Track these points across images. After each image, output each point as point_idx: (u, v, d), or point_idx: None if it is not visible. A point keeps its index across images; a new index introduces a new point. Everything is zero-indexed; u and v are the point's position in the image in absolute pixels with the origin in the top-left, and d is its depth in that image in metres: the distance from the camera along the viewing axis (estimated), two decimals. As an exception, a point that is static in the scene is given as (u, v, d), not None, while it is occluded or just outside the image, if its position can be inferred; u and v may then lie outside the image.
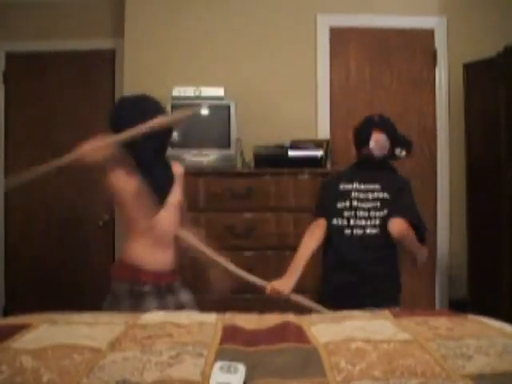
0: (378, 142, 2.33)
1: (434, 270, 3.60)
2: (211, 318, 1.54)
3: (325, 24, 3.59)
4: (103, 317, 1.55)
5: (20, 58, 3.87)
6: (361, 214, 2.27)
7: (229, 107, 3.12)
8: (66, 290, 3.70)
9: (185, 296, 2.09)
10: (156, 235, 2.01)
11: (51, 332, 1.35)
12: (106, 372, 1.08)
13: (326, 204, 2.34)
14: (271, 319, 1.53)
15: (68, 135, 3.85)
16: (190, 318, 1.52)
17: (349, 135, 3.53)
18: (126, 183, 1.95)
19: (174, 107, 3.12)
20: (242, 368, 1.06)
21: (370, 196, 2.29)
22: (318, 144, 3.14)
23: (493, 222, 3.19)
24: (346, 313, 1.58)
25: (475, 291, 3.38)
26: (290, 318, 1.55)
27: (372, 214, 2.25)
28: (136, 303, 1.91)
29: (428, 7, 3.62)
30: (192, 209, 2.95)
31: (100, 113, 3.84)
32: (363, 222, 2.25)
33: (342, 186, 2.33)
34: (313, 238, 2.28)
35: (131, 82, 3.52)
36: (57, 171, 1.93)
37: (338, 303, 1.99)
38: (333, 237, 2.27)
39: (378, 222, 2.23)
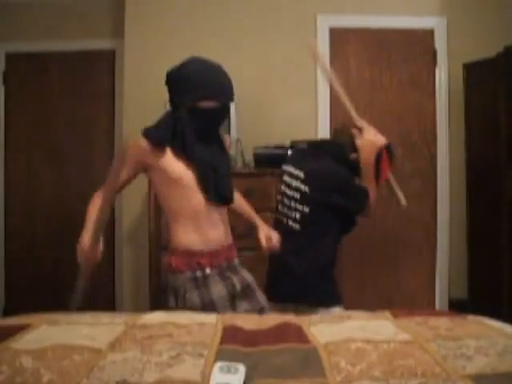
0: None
1: (434, 270, 3.60)
2: (211, 318, 1.53)
3: (325, 24, 3.59)
4: (103, 317, 1.55)
5: (20, 58, 3.87)
6: (285, 200, 2.19)
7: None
8: (66, 291, 3.70)
9: (246, 274, 1.99)
10: (205, 214, 1.85)
11: (51, 332, 1.35)
12: (106, 372, 1.08)
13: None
14: (271, 319, 1.53)
15: (68, 135, 3.86)
16: (190, 318, 1.52)
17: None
18: (179, 168, 1.81)
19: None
20: (241, 368, 1.06)
21: (293, 183, 2.16)
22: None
23: (493, 222, 3.19)
24: (346, 313, 1.58)
25: (475, 291, 3.38)
26: (290, 318, 1.55)
27: (292, 204, 2.15)
28: (203, 290, 1.80)
29: (428, 7, 3.62)
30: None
31: (100, 113, 3.85)
32: (285, 210, 2.18)
33: (284, 166, 2.27)
34: None
35: (131, 82, 3.52)
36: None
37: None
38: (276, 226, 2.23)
39: (297, 215, 2.12)
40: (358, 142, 2.09)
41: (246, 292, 1.90)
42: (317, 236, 2.11)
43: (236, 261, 1.99)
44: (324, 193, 2.08)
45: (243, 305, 1.85)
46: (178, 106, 1.84)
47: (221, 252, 1.89)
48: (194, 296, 1.79)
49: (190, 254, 1.84)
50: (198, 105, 1.79)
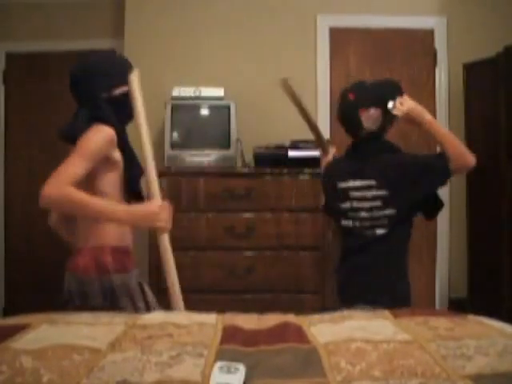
0: (369, 119, 2.14)
1: (434, 270, 3.60)
2: (211, 318, 1.53)
3: (325, 24, 3.59)
4: (103, 317, 1.55)
5: (20, 58, 3.87)
6: (363, 214, 2.12)
7: (229, 107, 3.12)
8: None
9: None
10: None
11: (51, 332, 1.35)
12: (106, 372, 1.08)
13: (330, 204, 2.28)
14: (271, 319, 1.53)
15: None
16: (190, 318, 1.52)
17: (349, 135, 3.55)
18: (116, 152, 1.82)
19: (173, 107, 3.12)
20: (242, 368, 1.06)
21: (369, 194, 2.11)
22: (318, 144, 3.14)
23: (493, 222, 3.19)
24: (345, 313, 1.58)
25: (475, 291, 3.38)
26: (290, 318, 1.55)
27: (375, 213, 2.09)
28: (144, 293, 1.83)
29: (428, 7, 3.62)
30: (192, 209, 2.97)
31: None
32: (368, 223, 2.11)
33: (339, 185, 2.19)
34: None
35: (131, 82, 3.52)
36: None
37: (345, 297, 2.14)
38: (345, 236, 2.22)
39: (385, 221, 2.09)
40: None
41: None
42: (403, 235, 2.15)
43: None
44: (406, 185, 2.05)
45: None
46: (91, 101, 1.82)
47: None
48: (140, 300, 1.81)
49: (129, 252, 1.86)
50: (113, 93, 1.82)
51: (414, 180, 2.04)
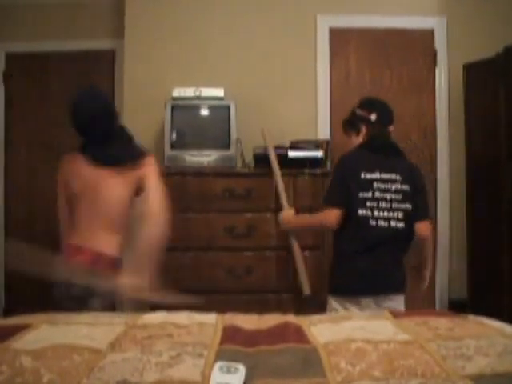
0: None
1: (434, 270, 3.60)
2: (211, 318, 1.54)
3: (324, 24, 3.59)
4: (103, 317, 1.55)
5: (20, 58, 3.87)
6: (383, 205, 2.23)
7: (229, 107, 3.12)
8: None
9: None
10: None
11: (51, 332, 1.35)
12: (106, 372, 1.08)
13: (349, 193, 2.24)
14: (271, 319, 1.53)
15: (68, 135, 3.85)
16: (190, 318, 1.52)
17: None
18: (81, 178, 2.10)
19: (173, 107, 3.12)
20: (241, 368, 1.06)
21: (393, 187, 2.25)
22: (317, 144, 3.14)
23: (493, 222, 3.19)
24: (345, 313, 1.58)
25: (475, 291, 3.38)
26: (290, 318, 1.55)
27: (395, 205, 2.23)
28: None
29: (428, 7, 3.62)
30: (192, 209, 2.96)
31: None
32: (386, 214, 2.22)
33: (364, 175, 2.24)
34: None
35: (131, 83, 3.53)
36: None
37: (360, 286, 2.18)
38: (358, 226, 2.22)
39: (401, 215, 2.22)
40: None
41: None
42: (412, 234, 2.28)
43: None
44: (418, 187, 2.29)
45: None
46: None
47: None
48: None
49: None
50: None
51: (419, 190, 2.30)
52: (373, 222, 2.21)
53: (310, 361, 1.15)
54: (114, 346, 1.25)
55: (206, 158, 3.09)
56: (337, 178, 2.31)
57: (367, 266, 2.21)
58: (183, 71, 3.54)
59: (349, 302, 2.17)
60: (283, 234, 2.91)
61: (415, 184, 2.28)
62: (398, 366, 1.10)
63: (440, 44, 3.60)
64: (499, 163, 3.09)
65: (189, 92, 3.16)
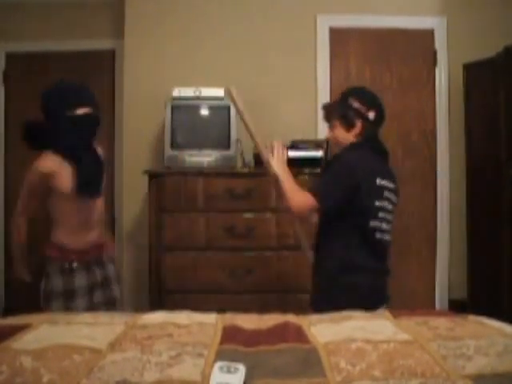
0: None
1: (434, 270, 3.60)
2: (211, 318, 1.54)
3: (325, 24, 3.59)
4: (103, 317, 1.55)
5: (20, 57, 3.87)
6: (388, 216, 2.02)
7: (229, 107, 3.12)
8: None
9: (110, 267, 2.35)
10: (83, 219, 2.24)
11: (51, 332, 1.35)
12: (106, 372, 1.08)
13: (361, 201, 1.96)
14: (271, 319, 1.53)
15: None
16: (190, 318, 1.52)
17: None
18: (62, 179, 2.14)
19: (173, 107, 3.12)
20: (241, 368, 1.06)
21: (393, 198, 2.05)
22: (317, 144, 3.14)
23: (493, 222, 3.19)
24: (345, 313, 1.58)
25: (475, 291, 3.38)
26: (290, 318, 1.55)
27: (389, 217, 2.03)
28: (68, 279, 2.18)
29: (428, 7, 3.62)
30: (192, 209, 2.96)
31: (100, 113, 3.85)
32: (385, 226, 2.01)
33: (378, 182, 2.00)
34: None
35: (131, 83, 3.53)
36: None
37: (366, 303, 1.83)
38: (364, 240, 1.97)
39: (389, 226, 2.03)
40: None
41: (104, 283, 2.28)
42: None
43: (104, 256, 2.33)
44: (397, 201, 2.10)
45: (98, 294, 2.25)
46: (55, 119, 2.13)
47: (90, 250, 2.25)
48: (58, 281, 2.17)
49: (62, 250, 2.24)
50: (75, 113, 2.12)
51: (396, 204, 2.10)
52: (378, 235, 1.99)
53: (310, 361, 1.15)
54: (113, 345, 1.25)
55: (206, 158, 3.09)
56: (342, 178, 1.96)
57: (378, 279, 2.02)
58: (183, 71, 3.54)
59: None
60: (283, 234, 2.91)
61: (398, 196, 2.08)
62: (397, 365, 1.10)
63: (440, 44, 3.60)
64: (499, 163, 3.09)
65: (189, 92, 3.16)
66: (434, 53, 3.61)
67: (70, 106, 2.12)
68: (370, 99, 2.12)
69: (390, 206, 2.03)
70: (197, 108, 3.21)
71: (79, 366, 1.11)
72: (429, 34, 3.61)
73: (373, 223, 1.97)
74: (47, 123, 2.14)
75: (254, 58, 3.57)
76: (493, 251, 3.19)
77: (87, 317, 1.53)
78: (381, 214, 1.98)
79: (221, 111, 3.16)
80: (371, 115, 2.07)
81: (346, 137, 2.07)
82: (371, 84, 3.61)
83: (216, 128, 3.19)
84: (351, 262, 1.98)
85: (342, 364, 1.12)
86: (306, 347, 1.24)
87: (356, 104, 2.07)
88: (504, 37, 3.27)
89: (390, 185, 2.04)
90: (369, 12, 3.59)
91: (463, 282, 3.45)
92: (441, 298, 3.59)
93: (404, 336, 1.30)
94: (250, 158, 3.19)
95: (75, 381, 1.04)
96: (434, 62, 3.61)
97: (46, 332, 1.35)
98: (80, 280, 2.20)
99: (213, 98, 3.18)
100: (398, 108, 3.59)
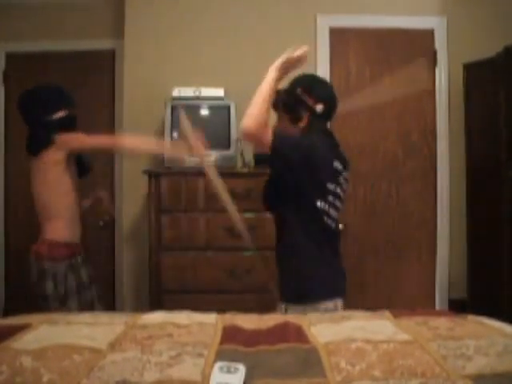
0: None
1: (434, 270, 3.60)
2: (211, 318, 1.54)
3: (325, 24, 3.58)
4: (103, 317, 1.55)
5: (20, 57, 3.87)
6: (336, 203, 1.90)
7: (229, 107, 3.12)
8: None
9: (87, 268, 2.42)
10: (74, 212, 2.32)
11: (51, 332, 1.35)
12: (106, 372, 1.08)
13: (312, 179, 1.84)
14: (271, 319, 1.53)
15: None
16: (190, 318, 1.52)
17: (349, 135, 3.54)
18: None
19: (173, 107, 3.12)
20: (241, 368, 1.06)
21: (345, 185, 1.94)
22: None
23: (493, 222, 3.19)
24: (345, 313, 1.58)
25: (475, 291, 3.38)
26: (290, 318, 1.55)
27: (338, 204, 1.91)
28: (76, 276, 2.24)
29: (428, 7, 3.62)
30: (192, 209, 2.96)
31: (100, 113, 3.85)
32: (332, 212, 1.88)
33: (335, 164, 1.89)
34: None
35: (131, 83, 3.53)
36: None
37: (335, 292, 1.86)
38: (312, 220, 1.86)
39: (337, 214, 1.91)
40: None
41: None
42: None
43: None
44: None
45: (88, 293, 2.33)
46: (34, 124, 2.34)
47: (79, 246, 2.35)
48: (72, 281, 2.21)
49: (68, 246, 2.26)
50: (52, 117, 2.28)
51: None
52: (328, 221, 1.87)
53: (310, 361, 1.15)
54: (113, 345, 1.25)
55: (206, 157, 3.08)
56: (303, 146, 1.83)
57: (334, 265, 1.93)
58: (183, 71, 3.54)
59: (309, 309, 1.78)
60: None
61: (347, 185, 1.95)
62: (397, 365, 1.10)
63: (440, 44, 3.60)
64: (499, 163, 3.09)
65: (189, 92, 3.16)
66: (434, 53, 3.61)
67: (47, 112, 2.28)
68: (320, 90, 1.96)
69: (341, 193, 1.91)
70: (197, 108, 3.20)
71: (79, 366, 1.11)
72: (429, 34, 3.61)
73: (320, 204, 1.83)
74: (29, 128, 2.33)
75: (254, 58, 3.57)
76: (493, 251, 3.19)
77: (87, 317, 1.53)
78: (330, 198, 1.86)
79: (221, 111, 3.16)
80: (319, 108, 1.91)
81: (291, 128, 1.95)
82: (371, 84, 3.61)
83: (216, 128, 3.18)
84: (297, 248, 1.92)
85: (342, 364, 1.12)
86: (305, 347, 1.24)
87: (303, 94, 1.94)
88: (504, 37, 3.27)
89: (345, 172, 1.93)
90: (369, 12, 3.59)
91: (463, 281, 3.45)
92: (441, 297, 3.59)
93: (404, 336, 1.30)
94: (250, 157, 3.19)
95: (75, 381, 1.04)
96: (434, 62, 3.61)
97: (46, 332, 1.35)
98: (84, 273, 2.32)
99: (213, 98, 3.18)
100: (398, 108, 3.59)
